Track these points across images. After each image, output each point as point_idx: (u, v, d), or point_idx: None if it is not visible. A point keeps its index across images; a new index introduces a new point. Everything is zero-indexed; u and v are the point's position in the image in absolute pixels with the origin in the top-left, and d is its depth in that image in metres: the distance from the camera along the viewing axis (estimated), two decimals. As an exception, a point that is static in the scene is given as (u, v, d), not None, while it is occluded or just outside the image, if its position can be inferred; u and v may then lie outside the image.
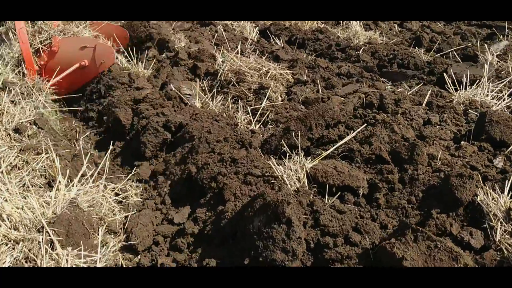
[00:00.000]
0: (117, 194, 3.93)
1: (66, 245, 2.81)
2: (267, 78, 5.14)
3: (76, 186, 3.47)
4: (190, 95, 5.28)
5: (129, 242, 3.36)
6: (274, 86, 4.94)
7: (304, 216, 2.91)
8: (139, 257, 3.36)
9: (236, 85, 5.25)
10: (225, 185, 3.36)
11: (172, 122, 4.39)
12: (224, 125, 4.18)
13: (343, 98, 4.38)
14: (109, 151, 4.56)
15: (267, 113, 4.57)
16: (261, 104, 4.69)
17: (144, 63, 6.31)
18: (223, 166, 3.61)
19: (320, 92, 4.92)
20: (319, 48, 6.85)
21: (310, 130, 3.72)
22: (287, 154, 3.61)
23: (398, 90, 4.36)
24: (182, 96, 5.14)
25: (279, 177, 3.28)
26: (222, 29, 7.57)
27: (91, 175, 3.83)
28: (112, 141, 5.09)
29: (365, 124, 3.77)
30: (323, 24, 7.98)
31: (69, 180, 3.68)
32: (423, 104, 4.16)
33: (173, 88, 5.14)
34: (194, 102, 5.07)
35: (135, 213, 3.64)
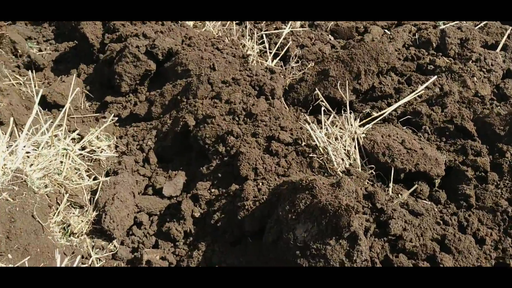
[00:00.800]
0: (83, 148, 2.88)
1: (6, 251, 1.80)
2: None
3: (24, 143, 2.38)
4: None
5: (101, 225, 2.39)
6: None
7: (363, 215, 1.98)
8: (114, 244, 2.41)
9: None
10: (240, 153, 2.36)
11: (159, 48, 3.24)
12: (230, 58, 3.08)
13: (386, 31, 3.31)
14: (73, 81, 3.41)
15: (287, 43, 3.46)
16: (276, 28, 3.55)
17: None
18: (234, 122, 2.58)
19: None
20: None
21: (358, 78, 2.69)
22: (322, 108, 2.59)
23: (463, 25, 3.28)
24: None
25: (320, 148, 2.29)
26: None
27: (45, 121, 2.74)
28: (76, 66, 3.93)
29: (436, 76, 2.74)
30: None
31: (13, 131, 2.59)
32: (499, 48, 3.15)
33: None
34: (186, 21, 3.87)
35: (108, 178, 2.62)
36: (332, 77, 2.68)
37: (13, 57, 4.03)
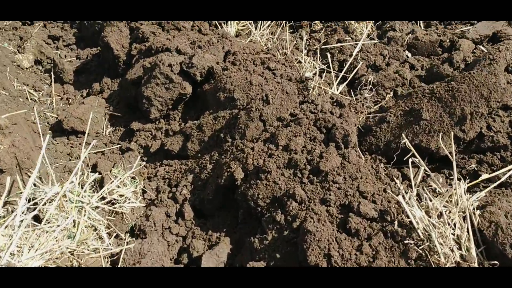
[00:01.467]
0: (103, 198, 2.32)
1: None
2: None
3: (21, 216, 1.83)
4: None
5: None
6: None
7: None
8: None
9: None
10: (306, 231, 1.75)
11: (197, 67, 2.64)
12: (285, 83, 2.45)
13: (480, 46, 2.61)
14: (93, 103, 2.85)
15: (354, 61, 2.80)
16: (338, 40, 2.90)
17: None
18: (296, 180, 1.97)
19: (435, 28, 3.11)
20: None
21: (461, 122, 2.02)
22: (410, 160, 1.94)
23: None
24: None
25: (419, 231, 1.66)
26: None
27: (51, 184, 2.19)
28: (99, 77, 3.38)
29: None
30: None
31: (13, 184, 2.04)
32: None
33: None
34: (228, 27, 3.25)
35: (133, 245, 2.06)
36: (426, 120, 2.02)
37: (34, 64, 3.52)
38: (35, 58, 3.55)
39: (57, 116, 3.03)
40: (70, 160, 2.72)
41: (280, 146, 2.10)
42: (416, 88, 2.45)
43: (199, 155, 2.47)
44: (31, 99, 3.20)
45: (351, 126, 2.14)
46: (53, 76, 3.40)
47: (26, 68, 3.49)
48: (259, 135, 2.23)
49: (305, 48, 2.94)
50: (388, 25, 3.01)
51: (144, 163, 2.66)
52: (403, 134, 2.04)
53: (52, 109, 3.15)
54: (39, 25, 3.93)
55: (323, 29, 3.07)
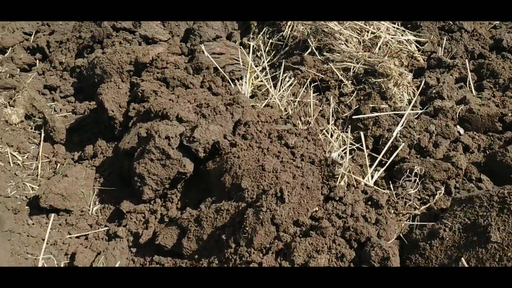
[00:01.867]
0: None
1: None
2: (376, 49, 2.79)
3: None
4: (237, 67, 3.00)
5: None
6: (391, 69, 2.60)
7: None
8: None
9: (317, 54, 2.93)
10: None
11: (200, 141, 2.17)
12: (306, 168, 1.95)
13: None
14: (80, 175, 2.41)
15: (391, 136, 2.28)
16: (372, 109, 2.40)
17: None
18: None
19: (491, 92, 2.58)
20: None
21: (547, 250, 1.49)
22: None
23: None
24: (221, 71, 2.88)
25: None
26: None
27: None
28: (94, 138, 2.95)
29: None
30: None
31: None
32: None
33: (207, 54, 2.86)
34: (242, 84, 2.80)
35: None
36: (495, 243, 1.49)
37: (24, 119, 3.13)
38: (26, 112, 3.16)
39: (38, 186, 2.60)
40: (45, 247, 2.26)
41: (296, 263, 1.59)
42: (475, 186, 1.92)
43: (196, 256, 1.97)
44: (13, 162, 2.78)
45: (391, 238, 1.62)
46: (42, 135, 2.99)
47: (15, 124, 3.10)
48: (270, 244, 1.72)
49: (333, 116, 2.45)
50: (434, 91, 2.49)
51: (132, 256, 2.19)
52: (463, 258, 1.51)
53: (36, 175, 2.73)
54: (35, 70, 3.56)
55: (355, 92, 2.58)
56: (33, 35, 3.94)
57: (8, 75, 3.50)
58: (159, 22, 3.53)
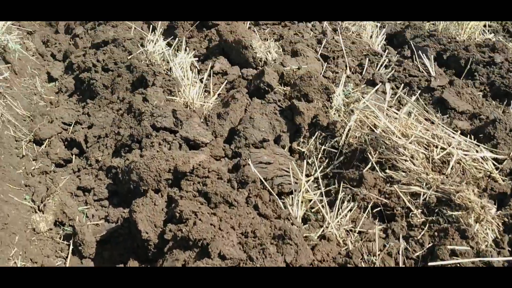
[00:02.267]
0: None
1: None
2: (448, 170, 2.42)
3: None
4: (286, 180, 2.69)
5: None
6: (471, 201, 2.21)
7: None
8: None
9: (379, 170, 2.58)
10: None
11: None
12: None
13: None
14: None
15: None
16: (451, 252, 2.01)
17: (204, 82, 3.78)
18: None
19: None
20: (498, 79, 3.94)
21: None
22: None
23: None
24: (268, 186, 2.57)
25: None
26: (330, 29, 4.82)
27: None
28: (126, 255, 2.66)
29: None
30: (493, 34, 5.02)
31: None
32: None
33: (253, 169, 2.57)
34: (293, 205, 2.48)
35: None
36: None
37: (53, 227, 2.89)
38: (56, 219, 2.92)
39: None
40: None
41: None
42: None
43: None
44: (36, 284, 2.49)
45: None
46: (70, 248, 2.72)
47: (43, 232, 2.85)
48: None
49: (402, 255, 2.06)
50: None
51: None
52: None
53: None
54: (71, 167, 3.36)
55: (426, 225, 2.20)
56: (72, 126, 3.80)
57: (41, 172, 3.32)
58: (201, 121, 3.31)
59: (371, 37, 4.95)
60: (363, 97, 3.23)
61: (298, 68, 3.66)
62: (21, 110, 3.92)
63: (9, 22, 4.73)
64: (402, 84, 3.60)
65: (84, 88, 4.26)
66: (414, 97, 3.45)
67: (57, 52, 5.21)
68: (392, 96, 3.51)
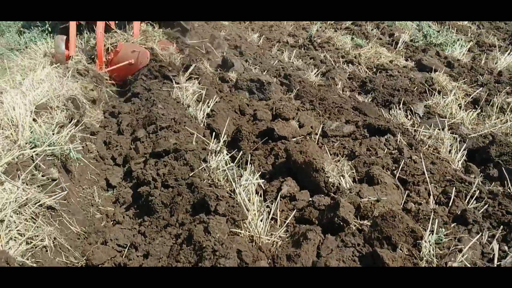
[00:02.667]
0: None
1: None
2: None
3: None
4: None
5: None
6: None
7: None
8: None
9: None
10: None
11: None
12: None
13: None
14: None
15: None
16: None
17: (271, 207, 3.45)
18: None
19: None
20: None
21: None
22: None
23: None
24: None
25: None
26: (405, 143, 4.45)
27: None
28: None
29: None
30: None
31: None
32: None
33: None
34: None
35: None
36: None
37: None
38: None
39: None
40: None
41: None
42: None
43: None
44: None
45: None
46: None
47: None
48: None
49: None
50: None
51: None
52: None
53: None
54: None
55: None
56: (127, 248, 3.53)
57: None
58: (268, 261, 2.94)
59: (449, 151, 4.53)
60: (457, 246, 2.77)
61: (377, 201, 3.26)
62: (76, 227, 3.71)
63: (73, 129, 4.69)
64: (501, 226, 3.11)
65: (142, 202, 4.03)
66: (516, 243, 2.94)
67: (117, 156, 5.10)
68: (489, 239, 3.03)
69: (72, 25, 7.23)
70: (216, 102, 5.72)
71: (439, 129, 4.92)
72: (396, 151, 4.25)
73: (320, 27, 11.46)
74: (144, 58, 6.97)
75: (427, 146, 4.62)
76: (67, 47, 7.18)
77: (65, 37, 7.33)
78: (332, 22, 12.18)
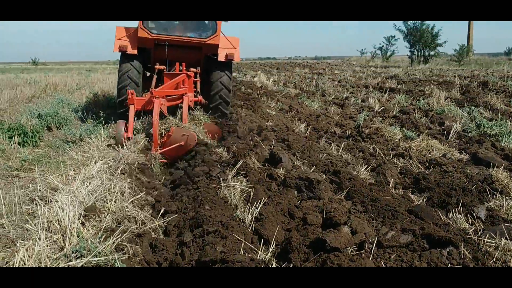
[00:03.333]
0: None
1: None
2: None
3: None
4: None
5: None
6: None
7: None
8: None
9: None
10: None
11: None
12: None
13: None
14: None
15: None
16: None
17: None
18: None
19: None
20: None
21: None
22: None
23: None
24: None
25: None
26: (470, 259, 4.09)
27: None
28: None
29: None
30: None
31: None
32: None
33: None
34: None
35: None
36: None
37: None
38: None
39: None
40: None
41: None
42: None
43: None
44: None
45: None
46: None
47: None
48: None
49: None
50: None
51: None
52: None
53: None
54: None
55: None
56: None
57: None
58: None
59: None
60: None
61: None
62: None
63: (120, 237, 4.63)
64: None
65: (186, 320, 3.79)
66: None
67: (163, 261, 4.95)
68: None
69: (131, 110, 8.80)
70: (264, 203, 5.58)
71: (506, 239, 4.52)
72: (460, 266, 3.89)
73: (368, 116, 11.40)
74: (193, 141, 8.01)
75: (494, 259, 4.22)
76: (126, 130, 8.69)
77: (125, 121, 8.92)
78: (379, 110, 12.11)
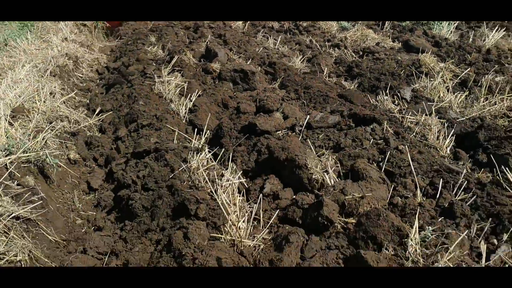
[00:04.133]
0: None
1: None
2: None
3: None
4: None
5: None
6: None
7: None
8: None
9: None
10: None
11: None
12: None
13: None
14: None
15: None
16: None
17: (253, 207, 3.34)
18: None
19: None
20: None
21: None
22: None
23: None
24: None
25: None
26: (392, 132, 4.34)
27: None
28: None
29: None
30: None
31: None
32: None
33: None
34: None
35: None
36: None
37: None
38: None
39: None
40: None
41: None
42: None
43: None
44: None
45: None
46: None
47: None
48: None
49: None
50: None
51: None
52: None
53: None
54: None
55: None
56: (107, 256, 3.42)
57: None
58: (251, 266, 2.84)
59: (437, 138, 4.42)
60: (445, 244, 2.68)
61: (362, 197, 3.16)
62: (55, 236, 3.58)
63: (50, 133, 4.55)
64: (490, 219, 3.02)
65: (123, 206, 3.92)
66: (506, 236, 2.86)
67: (99, 156, 4.97)
68: (478, 232, 2.94)
69: None
70: (199, 95, 5.58)
71: (427, 115, 4.81)
72: (383, 141, 4.14)
73: (306, 10, 11.23)
74: None
75: (414, 133, 4.50)
76: None
77: None
78: (319, 4, 11.94)
